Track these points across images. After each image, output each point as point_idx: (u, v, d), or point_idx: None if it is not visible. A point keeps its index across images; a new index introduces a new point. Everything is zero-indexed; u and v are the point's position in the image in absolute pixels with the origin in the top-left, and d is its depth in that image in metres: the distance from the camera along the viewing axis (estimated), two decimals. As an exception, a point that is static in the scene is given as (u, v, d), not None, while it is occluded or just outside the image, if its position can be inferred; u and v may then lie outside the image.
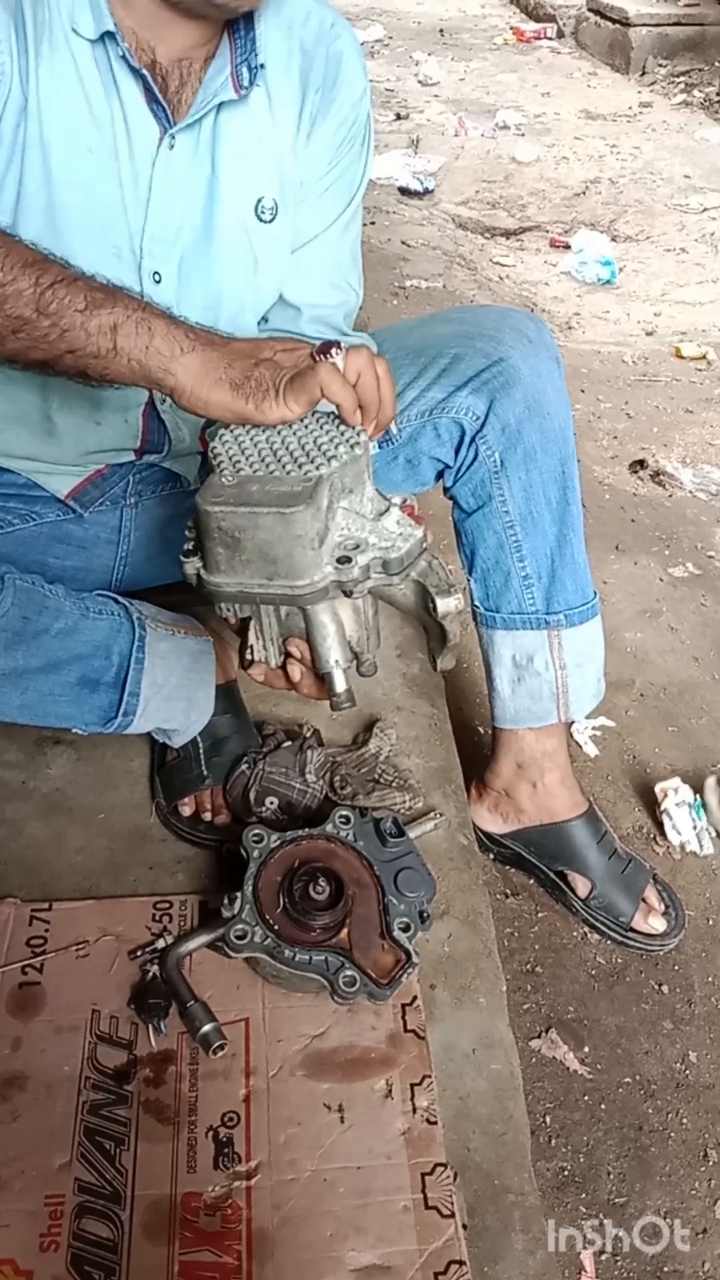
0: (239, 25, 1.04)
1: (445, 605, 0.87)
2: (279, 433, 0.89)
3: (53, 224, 1.02)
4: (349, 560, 0.83)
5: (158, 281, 1.08)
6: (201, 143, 1.06)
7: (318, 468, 0.83)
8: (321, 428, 0.89)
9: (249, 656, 0.93)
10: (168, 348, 0.87)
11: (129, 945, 1.09)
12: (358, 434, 0.87)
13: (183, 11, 0.99)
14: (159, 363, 0.87)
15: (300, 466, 0.84)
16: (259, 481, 0.83)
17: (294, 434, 0.88)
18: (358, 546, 0.84)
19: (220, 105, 1.05)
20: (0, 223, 0.97)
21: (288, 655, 0.92)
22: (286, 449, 0.86)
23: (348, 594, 0.85)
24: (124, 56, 0.99)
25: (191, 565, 0.87)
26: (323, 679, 0.91)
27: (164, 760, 1.28)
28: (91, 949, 1.09)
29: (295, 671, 0.93)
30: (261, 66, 1.06)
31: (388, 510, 0.87)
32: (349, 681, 0.90)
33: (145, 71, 1.00)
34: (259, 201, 1.11)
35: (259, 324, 1.19)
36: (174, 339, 0.88)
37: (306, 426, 0.89)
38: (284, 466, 0.85)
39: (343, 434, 0.87)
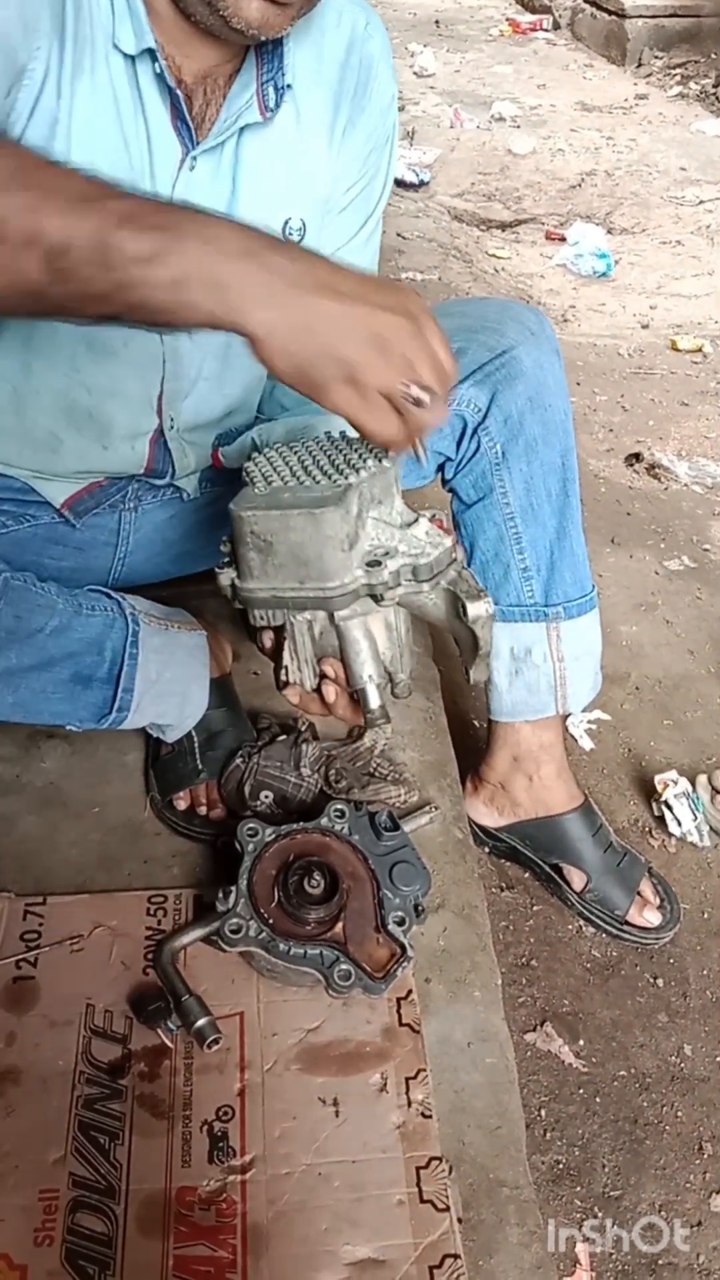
0: (267, 41, 0.98)
1: (476, 609, 0.87)
2: (309, 452, 0.91)
3: None
4: (379, 564, 0.85)
5: None
6: (223, 165, 1.03)
7: (346, 477, 0.86)
8: (350, 446, 0.91)
9: (284, 678, 0.94)
10: (239, 301, 0.75)
11: (124, 939, 1.09)
12: (383, 451, 0.89)
13: (204, 31, 0.95)
14: (233, 318, 0.75)
15: (330, 478, 0.86)
16: (291, 490, 0.86)
17: (324, 452, 0.90)
18: (387, 553, 0.86)
19: (243, 128, 1.01)
20: None
21: (322, 676, 0.93)
22: (317, 465, 0.88)
23: (378, 599, 0.86)
24: (161, 74, 0.95)
25: (226, 576, 0.89)
26: (356, 698, 0.92)
27: (158, 754, 1.28)
28: (86, 943, 1.09)
29: (330, 692, 0.93)
30: (289, 87, 1.02)
31: (416, 520, 0.89)
32: (383, 699, 0.91)
33: (178, 90, 0.97)
34: (286, 223, 1.08)
35: None
36: (248, 290, 0.75)
37: (335, 445, 0.92)
38: (314, 479, 0.86)
39: (370, 450, 0.89)
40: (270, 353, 0.76)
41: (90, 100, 0.95)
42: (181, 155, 1.00)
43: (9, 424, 1.12)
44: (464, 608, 0.87)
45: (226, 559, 0.89)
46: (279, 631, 0.93)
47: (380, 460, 0.87)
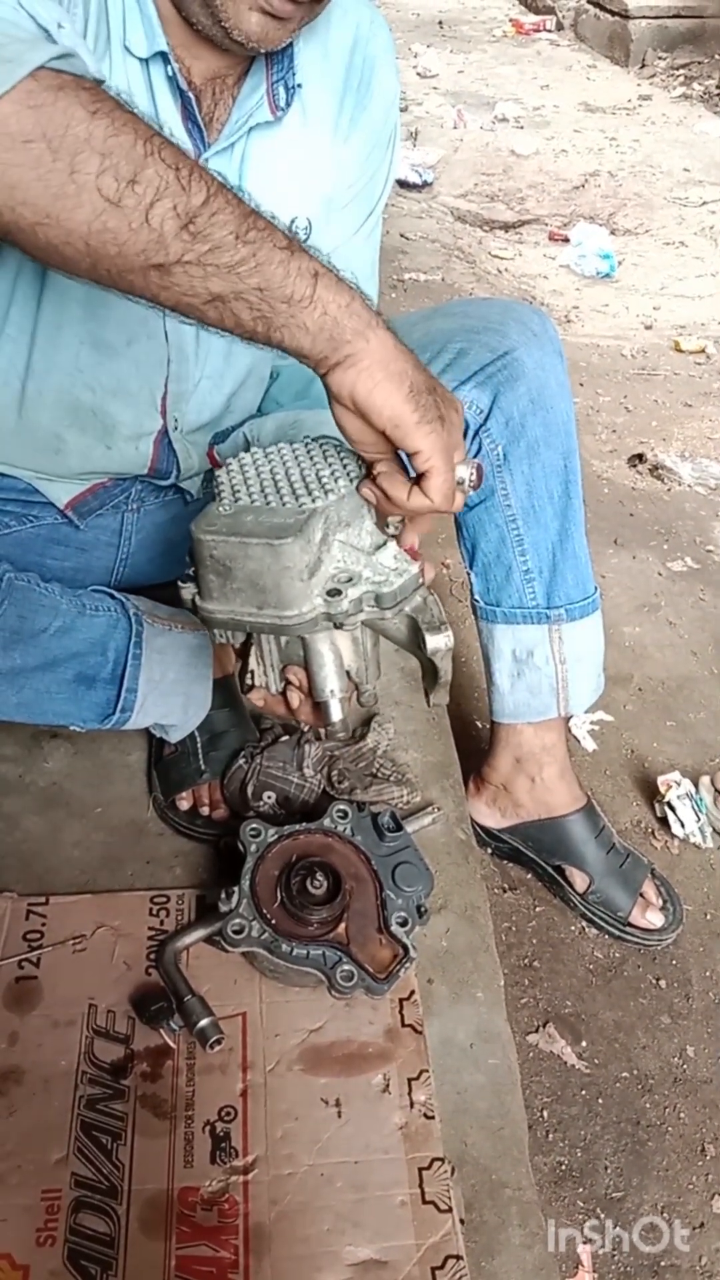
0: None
1: (434, 642, 0.87)
2: (283, 462, 0.90)
3: None
4: (339, 593, 0.84)
5: None
6: (233, 165, 1.03)
7: (314, 500, 0.84)
8: (325, 458, 0.89)
9: (249, 681, 0.94)
10: (366, 314, 0.78)
11: (126, 939, 1.09)
12: (360, 467, 0.87)
13: (208, 39, 0.95)
14: (356, 325, 0.77)
15: (298, 498, 0.85)
16: (254, 512, 0.84)
17: (297, 463, 0.89)
18: (350, 580, 0.85)
19: (253, 127, 1.02)
20: None
21: (287, 682, 0.93)
22: (288, 479, 0.87)
23: (338, 626, 0.86)
24: (173, 77, 0.96)
25: (188, 590, 0.89)
26: (320, 707, 0.92)
27: (161, 754, 1.28)
28: (88, 943, 1.09)
29: (294, 698, 0.94)
30: (299, 86, 1.03)
31: (385, 544, 0.88)
32: (344, 711, 0.92)
33: (189, 93, 0.97)
34: (293, 222, 1.07)
35: None
36: (369, 308, 0.79)
37: (311, 455, 0.90)
38: (282, 497, 0.85)
39: (345, 467, 0.88)
40: (382, 371, 0.78)
41: None
42: (194, 157, 1.00)
43: (12, 423, 1.12)
44: (423, 640, 0.87)
45: (191, 570, 0.89)
46: (246, 636, 0.93)
47: (353, 480, 0.86)
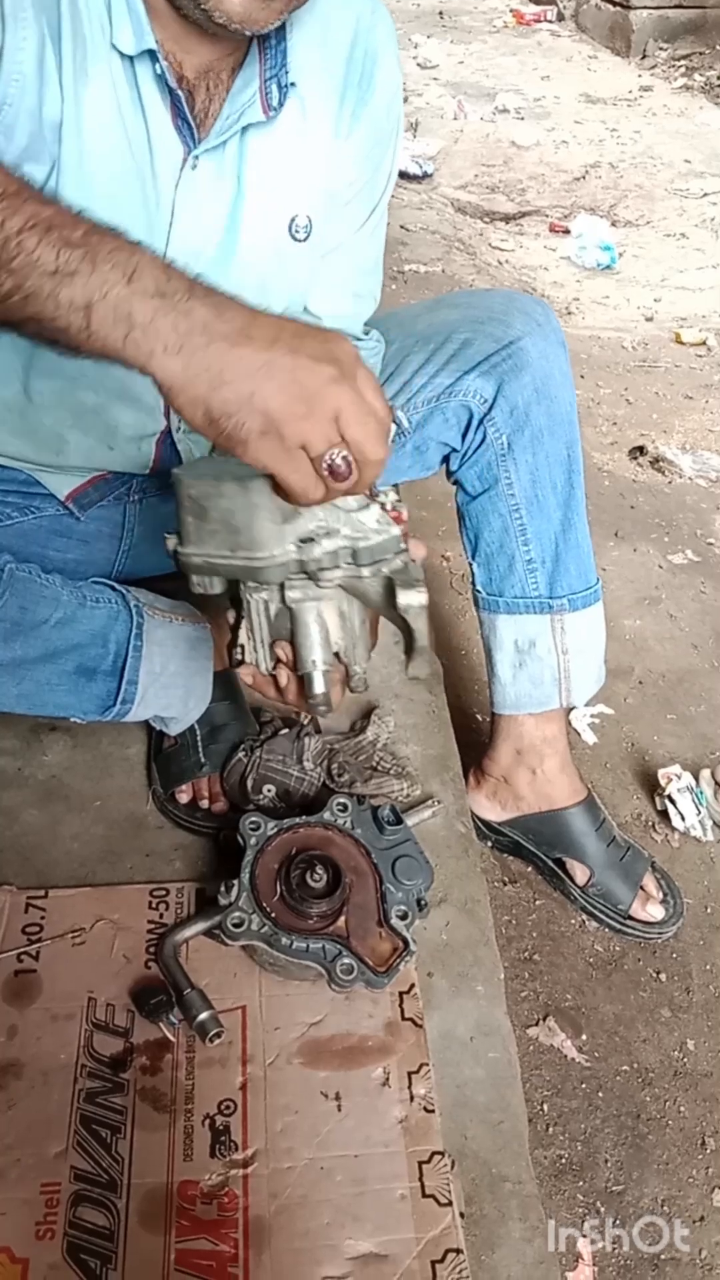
0: (270, 35, 0.96)
1: (406, 598, 0.86)
2: None
3: None
4: (312, 540, 0.84)
5: None
6: (226, 162, 1.01)
7: None
8: None
9: (238, 656, 0.94)
10: (148, 343, 0.71)
11: (126, 933, 1.09)
12: None
13: (198, 27, 0.92)
14: (136, 356, 0.71)
15: None
16: (237, 461, 0.84)
17: None
18: (327, 533, 0.85)
19: (247, 126, 1.00)
20: None
21: (277, 661, 0.93)
22: None
23: (312, 577, 0.86)
24: (162, 75, 0.94)
25: (171, 541, 0.89)
26: (304, 680, 0.92)
27: (161, 747, 1.27)
28: (88, 936, 1.08)
29: (283, 676, 0.93)
30: (293, 85, 1.00)
31: (368, 507, 0.87)
32: (328, 685, 0.91)
33: (179, 90, 0.95)
34: (293, 220, 1.06)
35: None
36: (157, 333, 0.71)
37: None
38: None
39: None
40: (180, 402, 0.72)
41: (95, 105, 0.93)
42: (183, 155, 0.98)
43: (14, 422, 1.11)
44: (396, 595, 0.86)
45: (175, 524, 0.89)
46: (238, 609, 0.93)
47: None
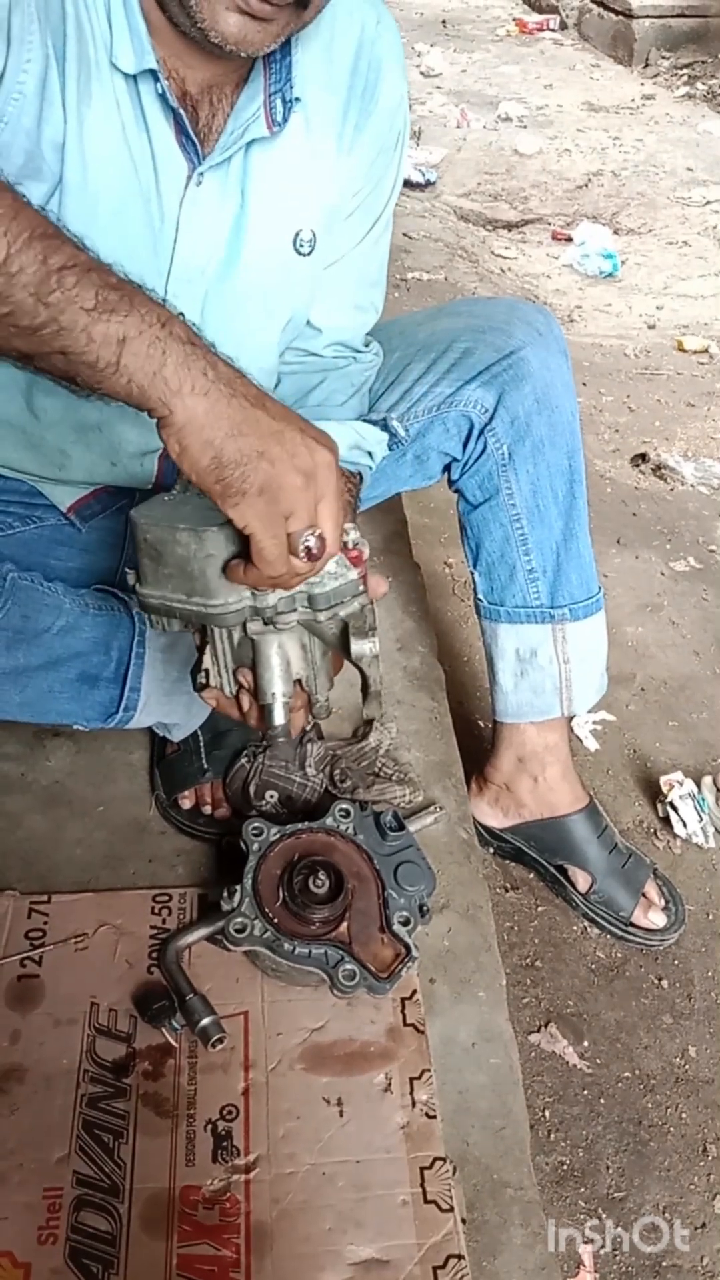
0: (274, 50, 0.94)
1: (359, 647, 0.88)
2: None
3: None
4: (265, 589, 0.85)
5: None
6: (231, 179, 1.01)
7: None
8: None
9: (202, 680, 0.96)
10: (177, 381, 0.75)
11: (128, 938, 1.09)
12: None
13: (196, 44, 0.92)
14: (161, 393, 0.75)
15: None
16: (195, 504, 0.85)
17: None
18: None
19: (251, 142, 0.99)
20: None
21: (240, 686, 0.94)
22: None
23: (267, 622, 0.87)
24: (163, 94, 0.93)
25: (131, 576, 0.90)
26: (264, 710, 0.93)
27: (164, 753, 1.28)
28: (90, 942, 1.09)
29: (245, 701, 0.95)
30: (298, 100, 1.00)
31: None
32: (288, 716, 0.93)
33: (180, 109, 0.95)
34: (297, 235, 1.06)
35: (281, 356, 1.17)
36: (188, 373, 0.75)
37: None
38: None
39: None
40: (193, 441, 0.76)
41: (98, 125, 0.93)
42: (188, 171, 0.98)
43: (17, 437, 1.12)
44: (349, 644, 0.88)
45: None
46: (202, 635, 0.94)
47: None
